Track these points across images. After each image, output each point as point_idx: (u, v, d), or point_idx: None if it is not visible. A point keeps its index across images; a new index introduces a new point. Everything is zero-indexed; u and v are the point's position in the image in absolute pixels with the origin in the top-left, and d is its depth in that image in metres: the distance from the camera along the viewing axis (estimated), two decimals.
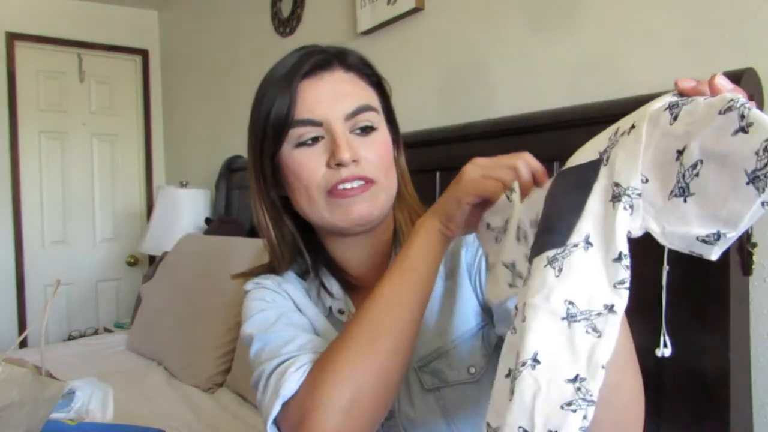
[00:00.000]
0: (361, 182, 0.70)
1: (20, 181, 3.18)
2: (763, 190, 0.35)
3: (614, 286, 0.40)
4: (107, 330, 3.06)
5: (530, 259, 0.45)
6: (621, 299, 0.40)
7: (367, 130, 0.71)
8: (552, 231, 0.44)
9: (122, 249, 3.48)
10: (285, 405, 0.59)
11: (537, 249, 0.45)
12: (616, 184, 0.41)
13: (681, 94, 0.41)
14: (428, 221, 0.62)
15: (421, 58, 1.78)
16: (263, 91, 0.72)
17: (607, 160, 0.43)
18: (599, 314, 0.40)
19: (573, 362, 0.40)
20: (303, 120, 0.69)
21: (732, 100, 0.37)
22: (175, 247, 2.46)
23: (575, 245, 0.42)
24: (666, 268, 0.43)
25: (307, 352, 0.64)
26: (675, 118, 0.40)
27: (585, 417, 0.38)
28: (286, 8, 2.40)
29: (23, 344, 2.08)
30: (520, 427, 0.40)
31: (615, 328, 0.40)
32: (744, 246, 1.01)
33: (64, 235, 3.34)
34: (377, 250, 0.77)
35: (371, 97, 0.74)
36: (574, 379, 0.39)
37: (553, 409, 0.39)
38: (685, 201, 0.39)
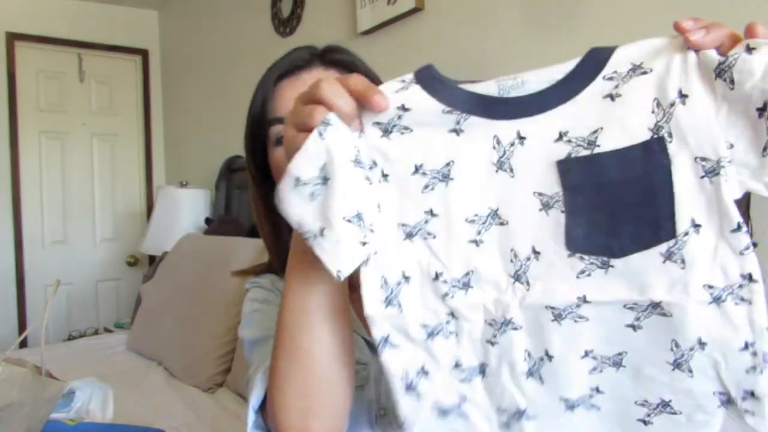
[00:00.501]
0: None
1: (20, 181, 3.18)
2: None
3: (741, 254, 0.41)
4: (107, 330, 3.06)
5: (616, 256, 0.43)
6: (754, 264, 0.41)
7: None
8: (644, 224, 0.42)
9: (122, 249, 3.48)
10: (258, 412, 0.59)
11: (632, 245, 0.42)
12: (703, 159, 0.41)
13: (683, 36, 0.42)
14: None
15: (421, 58, 1.78)
16: (254, 92, 0.73)
17: (670, 136, 0.41)
18: (741, 286, 0.41)
19: (737, 333, 0.41)
20: (278, 118, 0.69)
21: None
22: (175, 247, 2.46)
23: (686, 233, 0.41)
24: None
25: None
26: (732, 82, 0.40)
27: None
28: (286, 8, 2.40)
29: (23, 344, 2.08)
30: (715, 392, 0.42)
31: (760, 293, 0.41)
32: None
33: (64, 235, 3.34)
34: None
35: None
36: (746, 347, 0.41)
37: (740, 375, 0.41)
38: None
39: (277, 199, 0.45)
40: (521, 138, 0.44)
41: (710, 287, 0.41)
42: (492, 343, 0.46)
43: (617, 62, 0.43)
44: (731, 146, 0.41)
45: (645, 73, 0.42)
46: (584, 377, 0.45)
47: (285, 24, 2.40)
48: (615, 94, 0.42)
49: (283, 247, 0.79)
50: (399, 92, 0.45)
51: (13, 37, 3.12)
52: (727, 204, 0.40)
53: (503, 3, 1.54)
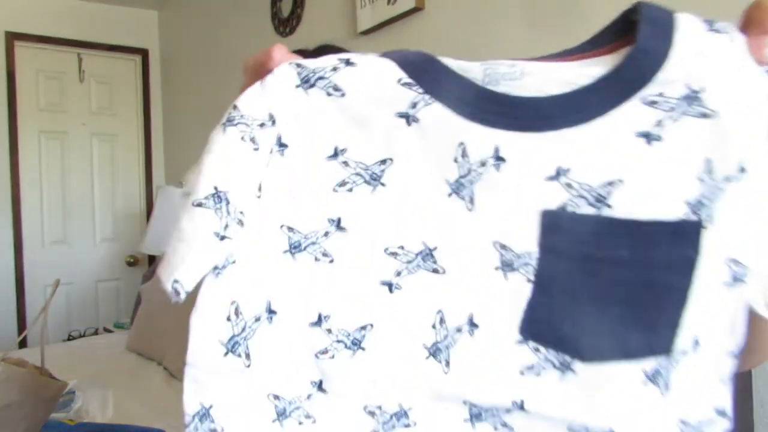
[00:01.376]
0: None
1: (20, 181, 3.17)
2: None
3: (724, 383, 0.31)
4: (107, 330, 3.06)
5: (584, 359, 0.30)
6: (728, 397, 0.32)
7: None
8: (637, 328, 0.30)
9: (122, 249, 3.48)
10: None
11: (612, 351, 0.30)
12: (735, 262, 0.29)
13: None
14: None
15: None
16: None
17: (711, 220, 0.28)
18: (711, 422, 0.31)
19: None
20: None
21: None
22: None
23: (684, 352, 0.30)
24: None
25: None
26: None
27: None
28: (286, 8, 2.40)
29: (23, 344, 2.08)
30: None
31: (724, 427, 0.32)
32: None
33: (64, 235, 3.34)
34: None
35: None
36: None
37: None
38: None
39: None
40: (499, 158, 0.29)
41: (684, 423, 0.30)
42: None
43: (670, 75, 0.28)
44: None
45: (705, 116, 0.28)
46: None
47: (285, 24, 2.40)
48: (654, 135, 0.28)
49: None
50: (338, 68, 0.31)
51: (13, 37, 3.12)
52: (741, 321, 0.31)
53: (503, 3, 1.54)
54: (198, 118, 3.18)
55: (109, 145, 3.47)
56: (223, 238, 0.29)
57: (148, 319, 2.26)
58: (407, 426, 0.31)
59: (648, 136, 0.28)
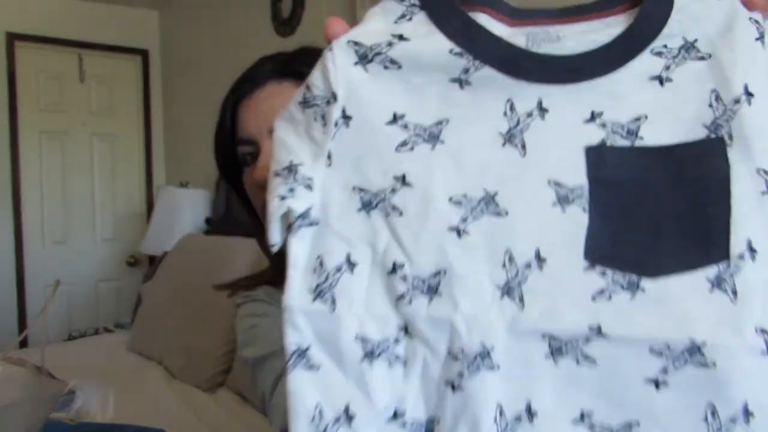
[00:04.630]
0: None
1: (20, 181, 3.17)
2: None
3: None
4: (107, 330, 3.06)
5: (650, 275, 0.33)
6: None
7: None
8: (691, 239, 0.33)
9: (122, 249, 3.48)
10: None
11: (673, 264, 0.33)
12: (766, 172, 0.33)
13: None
14: None
15: None
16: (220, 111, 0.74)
17: (730, 139, 0.33)
18: None
19: None
20: (242, 138, 0.71)
21: None
22: (175, 247, 2.46)
23: (741, 256, 0.32)
24: None
25: None
26: None
27: None
28: (286, 8, 2.40)
29: (23, 344, 2.08)
30: None
31: None
32: None
33: (65, 235, 3.34)
34: None
35: None
36: None
37: None
38: None
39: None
40: (543, 109, 0.34)
41: (764, 332, 0.31)
42: (454, 388, 0.33)
43: (671, 30, 0.35)
44: None
45: (702, 59, 0.34)
46: None
47: (285, 24, 2.40)
48: (665, 77, 0.34)
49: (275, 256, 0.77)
50: (398, 22, 0.36)
51: (13, 37, 3.12)
52: None
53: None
54: (198, 118, 3.18)
55: (109, 145, 3.47)
56: (283, 198, 0.34)
57: (149, 319, 2.26)
58: (491, 368, 0.32)
59: (660, 79, 0.34)
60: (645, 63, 0.34)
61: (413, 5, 0.36)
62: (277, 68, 0.71)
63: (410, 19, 0.36)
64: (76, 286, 3.31)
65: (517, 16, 0.37)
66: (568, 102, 0.34)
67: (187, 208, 2.79)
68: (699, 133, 0.33)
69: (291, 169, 0.35)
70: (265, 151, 0.68)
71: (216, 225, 2.64)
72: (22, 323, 3.14)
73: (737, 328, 0.31)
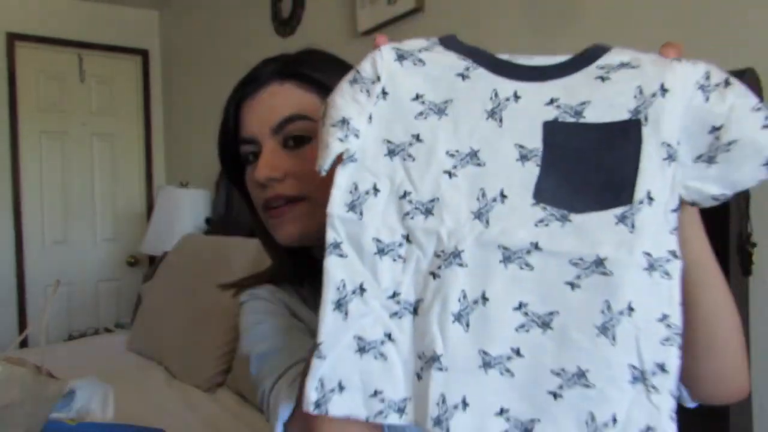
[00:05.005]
0: (284, 201, 0.67)
1: (20, 181, 3.18)
2: None
3: (671, 233, 0.45)
4: (107, 330, 3.06)
5: (576, 211, 0.47)
6: (676, 243, 0.45)
7: (300, 141, 0.68)
8: (608, 188, 0.46)
9: (122, 249, 3.48)
10: (287, 424, 0.58)
11: (593, 204, 0.46)
12: (668, 145, 0.46)
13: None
14: None
15: None
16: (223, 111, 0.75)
17: (646, 120, 0.46)
18: (668, 260, 0.45)
19: (660, 303, 0.44)
20: (244, 138, 0.71)
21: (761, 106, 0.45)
22: (175, 247, 2.46)
23: (641, 202, 0.45)
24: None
25: (302, 362, 0.60)
26: (707, 100, 0.46)
27: (679, 347, 0.44)
28: (286, 8, 2.40)
29: (23, 344, 2.08)
30: (629, 364, 0.44)
31: (678, 271, 0.45)
32: (744, 246, 1.01)
33: (65, 235, 3.34)
34: None
35: (308, 104, 0.68)
36: (663, 318, 0.44)
37: (656, 345, 0.44)
38: (708, 166, 0.46)
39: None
40: (517, 96, 0.49)
41: (648, 254, 0.45)
42: (434, 276, 0.47)
43: (610, 59, 0.49)
44: (678, 143, 0.47)
45: (633, 67, 0.48)
46: (510, 332, 0.46)
47: (285, 24, 2.40)
48: (605, 77, 0.48)
49: (276, 256, 0.77)
50: (426, 46, 0.52)
51: (13, 37, 3.12)
52: (673, 186, 0.46)
53: (503, 3, 1.54)
54: (198, 118, 3.18)
55: (109, 145, 3.47)
56: (341, 140, 0.50)
57: (149, 319, 2.26)
58: (461, 265, 0.46)
59: (602, 78, 0.48)
60: (592, 70, 0.48)
61: (435, 43, 0.52)
62: (279, 69, 0.71)
63: (429, 50, 0.52)
64: (76, 286, 3.32)
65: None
66: (535, 93, 0.48)
67: (187, 208, 2.80)
68: (624, 115, 0.47)
69: (344, 121, 0.50)
70: (266, 150, 0.68)
71: (216, 225, 2.64)
72: (22, 323, 3.14)
73: (630, 250, 0.44)
